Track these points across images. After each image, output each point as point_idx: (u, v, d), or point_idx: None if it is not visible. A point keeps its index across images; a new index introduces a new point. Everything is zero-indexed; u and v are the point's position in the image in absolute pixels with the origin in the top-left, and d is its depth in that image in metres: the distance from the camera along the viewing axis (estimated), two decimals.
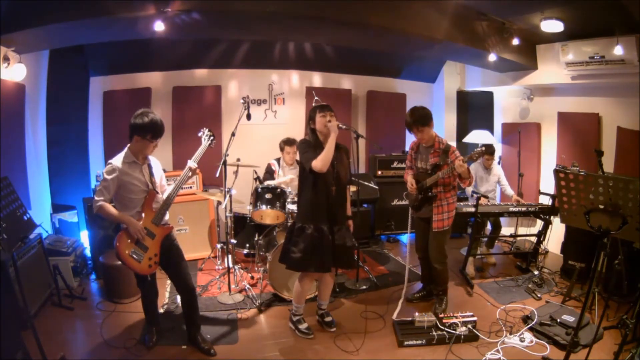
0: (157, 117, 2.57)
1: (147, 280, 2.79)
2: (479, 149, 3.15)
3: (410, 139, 5.97)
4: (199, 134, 2.97)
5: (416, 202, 3.42)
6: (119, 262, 3.36)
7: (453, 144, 5.15)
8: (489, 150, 4.59)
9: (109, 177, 2.52)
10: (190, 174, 2.72)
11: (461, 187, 3.36)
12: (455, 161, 3.08)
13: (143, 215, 2.63)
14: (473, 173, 4.61)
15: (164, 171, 2.97)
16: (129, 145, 2.62)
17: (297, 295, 3.12)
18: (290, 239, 2.95)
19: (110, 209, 2.56)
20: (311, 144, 2.90)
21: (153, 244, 2.63)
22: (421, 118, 3.21)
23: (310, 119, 2.94)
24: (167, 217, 2.76)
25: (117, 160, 2.57)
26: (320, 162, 2.74)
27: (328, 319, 3.20)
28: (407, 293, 3.75)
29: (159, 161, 2.87)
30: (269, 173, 4.43)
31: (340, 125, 2.86)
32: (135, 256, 2.56)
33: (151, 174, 2.70)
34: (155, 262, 2.64)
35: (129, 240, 2.56)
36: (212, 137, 2.95)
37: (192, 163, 2.74)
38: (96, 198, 2.54)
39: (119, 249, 2.54)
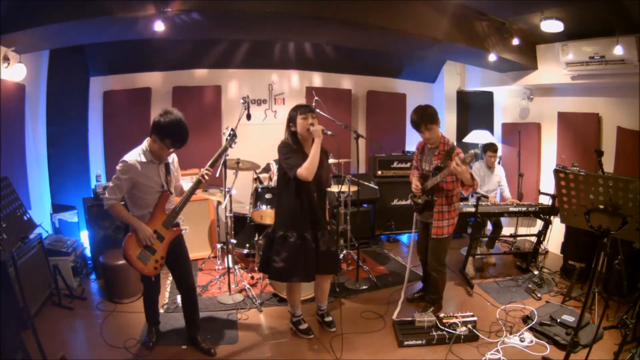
0: (180, 119, 2.41)
1: (150, 279, 2.78)
2: (472, 151, 2.88)
3: (410, 138, 6.01)
4: (222, 132, 2.90)
5: (418, 206, 3.35)
6: (119, 262, 3.41)
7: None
8: (492, 147, 4.56)
9: (122, 177, 2.45)
10: (204, 179, 2.62)
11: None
12: (452, 164, 2.88)
13: (154, 216, 2.59)
14: (476, 172, 4.61)
15: None
16: (148, 140, 2.53)
17: (290, 301, 3.11)
18: (270, 247, 2.85)
19: (121, 209, 2.52)
20: (292, 148, 2.76)
21: (161, 246, 2.60)
22: (429, 116, 3.09)
23: (291, 120, 2.79)
24: (178, 219, 2.74)
25: (133, 159, 2.48)
26: (306, 171, 2.63)
27: (328, 319, 3.20)
28: (407, 293, 3.74)
29: (175, 155, 2.78)
30: (266, 170, 4.43)
31: (326, 132, 2.73)
32: (142, 258, 2.54)
33: (167, 173, 2.63)
34: (161, 264, 2.63)
35: (137, 243, 2.53)
36: (234, 137, 2.86)
37: (205, 170, 2.62)
38: (108, 196, 2.48)
39: (127, 250, 2.51)
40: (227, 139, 2.86)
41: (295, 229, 2.79)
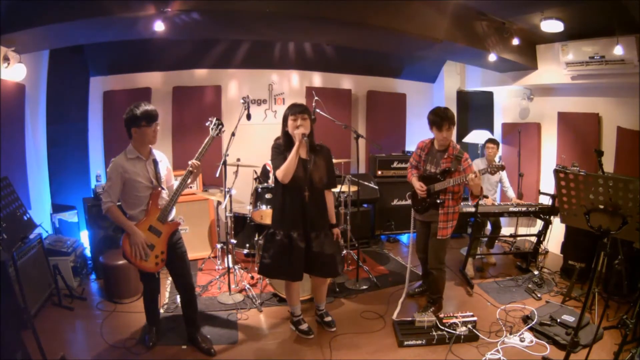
0: (146, 105, 2.56)
1: (153, 276, 2.78)
2: (498, 164, 3.05)
3: (410, 138, 6.01)
4: (207, 124, 2.88)
5: (420, 206, 3.36)
6: (119, 262, 3.42)
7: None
8: (493, 140, 4.55)
9: (112, 176, 2.53)
10: (192, 170, 2.65)
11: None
12: (469, 174, 2.98)
13: (148, 213, 2.61)
14: (475, 169, 4.58)
15: None
16: (131, 142, 2.62)
17: (288, 299, 3.12)
18: (264, 244, 2.91)
19: (117, 213, 2.56)
20: (281, 149, 2.78)
21: (159, 241, 2.63)
22: (452, 116, 3.15)
23: (284, 119, 2.80)
24: (173, 213, 2.76)
25: (120, 158, 2.57)
26: (281, 173, 2.67)
27: (327, 319, 3.19)
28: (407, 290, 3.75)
29: (166, 156, 2.84)
30: (265, 174, 4.42)
31: (305, 137, 2.68)
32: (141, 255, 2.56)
33: (156, 170, 2.67)
34: (162, 259, 2.64)
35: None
36: (220, 126, 2.85)
37: (192, 161, 2.66)
38: (104, 200, 2.55)
39: (126, 248, 2.55)
40: (212, 129, 2.84)
41: (282, 227, 2.80)
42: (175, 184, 2.77)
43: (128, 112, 2.54)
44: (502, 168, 3.12)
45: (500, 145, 5.61)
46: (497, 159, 4.66)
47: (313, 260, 2.82)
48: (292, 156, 2.68)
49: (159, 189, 2.66)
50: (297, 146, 2.68)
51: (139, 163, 2.61)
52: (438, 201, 3.20)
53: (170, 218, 2.71)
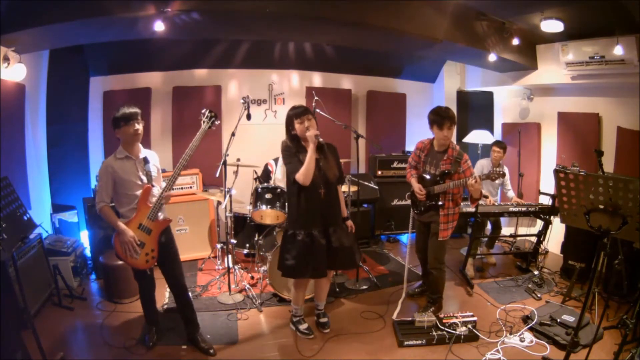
0: (127, 107, 2.63)
1: (145, 273, 2.79)
2: (499, 170, 3.05)
3: (410, 138, 6.01)
4: (200, 116, 2.83)
5: (420, 207, 3.36)
6: (119, 262, 3.41)
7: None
8: (499, 144, 4.54)
9: (102, 177, 2.59)
10: (177, 178, 2.66)
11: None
12: (469, 179, 2.99)
13: (138, 210, 2.62)
14: (479, 170, 4.58)
15: (164, 171, 2.96)
16: (121, 143, 2.69)
17: (294, 298, 3.12)
18: (284, 245, 2.92)
19: (109, 212, 2.60)
20: (292, 151, 2.83)
21: (149, 239, 2.64)
22: (454, 116, 3.14)
23: (289, 122, 2.84)
24: (165, 211, 2.76)
25: (110, 159, 2.64)
26: (302, 177, 2.71)
27: (323, 319, 3.18)
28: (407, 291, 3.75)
29: (157, 155, 2.86)
30: (266, 174, 4.42)
31: (319, 138, 2.74)
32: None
33: (146, 168, 2.70)
34: (152, 256, 2.66)
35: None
36: (212, 118, 2.80)
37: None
38: (97, 200, 2.60)
39: (117, 247, 2.59)
40: (204, 122, 2.79)
41: (303, 227, 2.82)
42: (164, 184, 2.77)
43: (115, 114, 2.62)
44: (503, 175, 3.11)
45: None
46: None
47: (333, 254, 2.85)
48: (309, 159, 2.71)
49: (149, 186, 2.67)
50: (312, 148, 2.71)
51: (128, 162, 2.65)
52: (440, 203, 3.20)
53: (161, 217, 2.72)
